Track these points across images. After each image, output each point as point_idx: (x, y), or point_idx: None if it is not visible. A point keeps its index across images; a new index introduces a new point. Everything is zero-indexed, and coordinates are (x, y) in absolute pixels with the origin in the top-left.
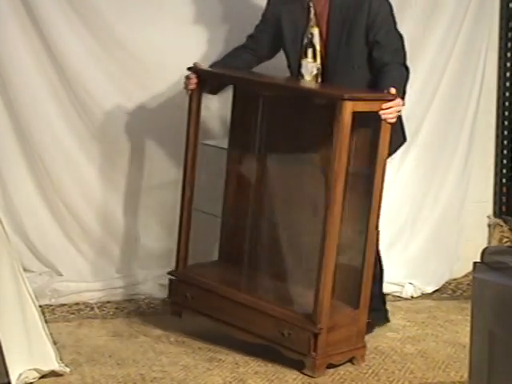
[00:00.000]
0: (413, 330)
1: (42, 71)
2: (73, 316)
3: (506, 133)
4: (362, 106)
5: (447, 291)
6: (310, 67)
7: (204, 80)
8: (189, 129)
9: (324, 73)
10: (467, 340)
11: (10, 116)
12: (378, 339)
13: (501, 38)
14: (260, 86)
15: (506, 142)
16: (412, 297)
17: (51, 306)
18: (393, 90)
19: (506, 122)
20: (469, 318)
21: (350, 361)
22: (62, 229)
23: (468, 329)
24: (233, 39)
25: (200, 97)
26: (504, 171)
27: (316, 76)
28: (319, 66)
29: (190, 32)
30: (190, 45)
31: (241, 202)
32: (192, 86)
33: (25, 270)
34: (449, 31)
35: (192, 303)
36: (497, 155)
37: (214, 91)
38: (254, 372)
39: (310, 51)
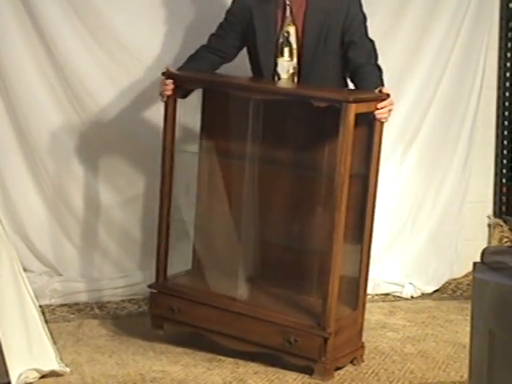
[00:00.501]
0: (413, 330)
1: (41, 71)
2: (73, 316)
3: (505, 133)
4: (363, 108)
5: (447, 291)
6: (287, 66)
7: (179, 85)
8: (165, 136)
9: (300, 72)
10: (467, 340)
11: (9, 116)
12: (378, 339)
13: (501, 38)
14: (251, 90)
15: (505, 142)
16: (412, 297)
17: (51, 305)
18: (386, 90)
19: (505, 122)
20: (469, 317)
21: (351, 361)
22: (61, 229)
23: (468, 329)
24: None
25: (175, 102)
26: (504, 171)
27: (293, 75)
28: (296, 64)
29: (191, 31)
30: (189, 43)
31: (214, 207)
32: (169, 92)
33: (25, 270)
34: (449, 31)
35: (179, 316)
36: (497, 155)
37: (184, 95)
38: (253, 372)
39: (286, 50)
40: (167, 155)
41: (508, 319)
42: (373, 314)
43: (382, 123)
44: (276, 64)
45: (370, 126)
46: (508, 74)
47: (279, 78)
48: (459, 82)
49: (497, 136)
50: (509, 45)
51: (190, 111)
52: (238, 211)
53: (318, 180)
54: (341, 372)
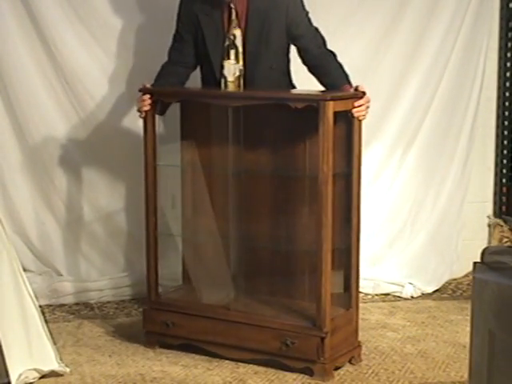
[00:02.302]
0: (413, 330)
1: (41, 72)
2: (73, 316)
3: (506, 133)
4: (340, 106)
5: (447, 291)
6: (233, 69)
7: (157, 100)
8: (146, 151)
9: (245, 74)
10: (467, 340)
11: (9, 116)
12: (378, 339)
13: (501, 38)
14: (230, 98)
15: (506, 142)
16: (412, 297)
17: (51, 305)
18: (361, 88)
19: (506, 122)
20: (469, 317)
21: (350, 361)
22: (61, 229)
23: (468, 329)
24: None
25: (154, 118)
26: (504, 171)
27: (239, 77)
28: (241, 67)
29: None
30: None
31: (200, 219)
32: (147, 108)
33: (25, 270)
34: (449, 31)
35: (174, 330)
36: (497, 155)
37: (162, 112)
38: (253, 372)
39: (232, 53)
40: (150, 170)
41: (508, 319)
42: (373, 314)
43: (360, 121)
44: (223, 67)
45: (348, 125)
46: (508, 74)
47: (226, 81)
48: (459, 82)
49: (497, 136)
50: (509, 45)
51: (169, 125)
52: (225, 220)
53: (302, 182)
54: (341, 372)
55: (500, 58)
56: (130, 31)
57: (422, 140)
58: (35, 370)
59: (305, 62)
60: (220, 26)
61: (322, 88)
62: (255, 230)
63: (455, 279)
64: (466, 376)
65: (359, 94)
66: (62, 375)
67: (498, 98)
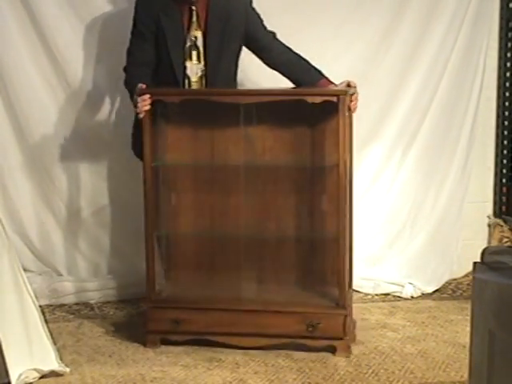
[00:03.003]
0: (413, 330)
1: (41, 72)
2: (73, 316)
3: (505, 133)
4: (348, 100)
5: (447, 291)
6: (196, 69)
7: (156, 100)
8: (145, 151)
9: (207, 74)
10: (467, 340)
11: (9, 116)
12: (378, 339)
13: (501, 38)
14: (243, 96)
15: (505, 142)
16: (412, 297)
17: (51, 305)
18: (353, 83)
19: (506, 122)
20: (469, 317)
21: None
22: (61, 229)
23: (468, 329)
24: None
25: (151, 118)
26: (504, 171)
27: (201, 77)
28: (203, 67)
29: None
30: None
31: (200, 214)
32: (147, 108)
33: (25, 270)
34: (449, 31)
35: (183, 326)
36: (497, 155)
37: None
38: (253, 372)
39: (194, 53)
40: (147, 170)
41: (508, 319)
42: (373, 314)
43: (352, 114)
44: (185, 67)
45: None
46: (508, 74)
47: (189, 81)
48: (459, 82)
49: (497, 136)
50: (509, 45)
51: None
52: (230, 214)
53: (314, 172)
54: (341, 372)
55: (500, 58)
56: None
57: (421, 140)
58: (35, 369)
59: (270, 61)
60: (180, 27)
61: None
62: (266, 219)
63: (455, 279)
64: (465, 376)
65: (353, 89)
66: (62, 375)
67: (498, 97)
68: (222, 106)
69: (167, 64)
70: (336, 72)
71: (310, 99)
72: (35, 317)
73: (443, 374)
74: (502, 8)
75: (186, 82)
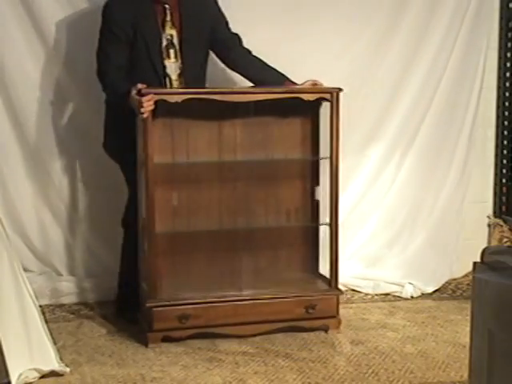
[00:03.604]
0: (413, 330)
1: (41, 71)
2: (73, 316)
3: (505, 133)
4: None
5: (447, 291)
6: (175, 67)
7: (159, 100)
8: (146, 151)
9: (184, 71)
10: (467, 340)
11: (9, 116)
12: (378, 339)
13: (501, 38)
14: (244, 94)
15: (505, 142)
16: (412, 297)
17: (51, 305)
18: (319, 82)
19: (505, 122)
20: (469, 317)
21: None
22: (61, 229)
23: (468, 329)
24: None
25: (151, 117)
26: (504, 171)
27: (180, 75)
28: (181, 65)
29: None
30: None
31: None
32: (151, 108)
33: (25, 270)
34: (448, 31)
35: (191, 322)
36: (497, 155)
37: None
38: (253, 372)
39: (172, 52)
40: (149, 169)
41: (508, 319)
42: (373, 314)
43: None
44: (165, 66)
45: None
46: (508, 74)
47: (170, 80)
48: (459, 81)
49: (497, 136)
50: (509, 45)
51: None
52: (218, 210)
53: (297, 164)
54: (341, 372)
55: (500, 58)
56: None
57: (421, 140)
58: (35, 369)
59: (234, 62)
60: (156, 27)
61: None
62: (255, 212)
63: (455, 279)
64: (465, 376)
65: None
66: (62, 375)
67: (498, 98)
68: (195, 105)
69: (147, 64)
70: (336, 72)
71: (305, 97)
72: (35, 317)
73: (443, 374)
74: (501, 8)
75: (167, 80)
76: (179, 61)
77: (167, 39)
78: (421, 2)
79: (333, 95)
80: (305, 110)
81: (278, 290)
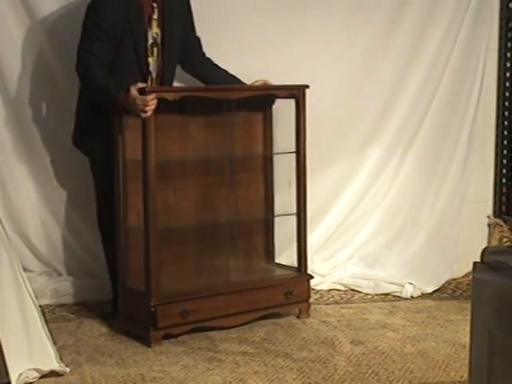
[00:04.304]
0: (413, 330)
1: (41, 71)
2: (73, 316)
3: (505, 133)
4: None
5: (447, 291)
6: (156, 66)
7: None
8: (148, 150)
9: (163, 71)
10: (467, 340)
11: (9, 115)
12: (378, 339)
13: (501, 38)
14: (231, 91)
15: (505, 142)
16: (412, 297)
17: (51, 305)
18: (268, 82)
19: (505, 122)
20: (469, 317)
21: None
22: (62, 229)
23: (468, 329)
24: None
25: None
26: (504, 171)
27: (158, 74)
28: (160, 64)
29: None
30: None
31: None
32: (154, 107)
33: (25, 269)
34: (448, 31)
35: (192, 317)
36: (497, 155)
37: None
38: (253, 372)
39: (155, 50)
40: (150, 167)
41: (508, 319)
42: (373, 314)
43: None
44: (148, 64)
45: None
46: (508, 74)
47: (151, 78)
48: (459, 81)
49: (497, 136)
50: (509, 45)
51: None
52: (192, 209)
53: (261, 159)
54: (341, 372)
55: (500, 58)
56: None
57: (421, 140)
58: (35, 369)
59: (193, 64)
60: (143, 25)
61: None
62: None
63: (455, 279)
64: (465, 376)
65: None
66: (62, 375)
67: (498, 97)
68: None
69: (133, 62)
70: (336, 72)
71: (278, 93)
72: (35, 317)
73: (443, 373)
74: (501, 8)
75: (149, 78)
76: (159, 60)
77: (153, 37)
78: (420, 2)
79: (300, 92)
80: (256, 108)
81: (260, 278)
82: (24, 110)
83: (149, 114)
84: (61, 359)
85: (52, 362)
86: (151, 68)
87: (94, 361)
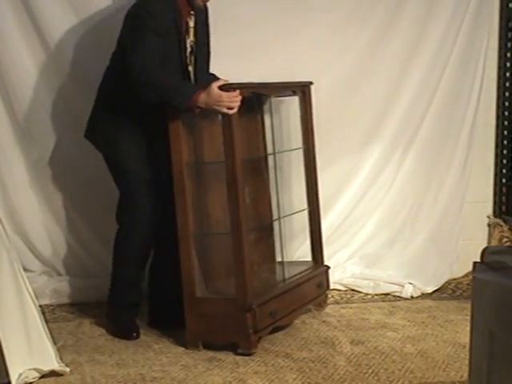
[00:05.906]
0: (413, 330)
1: (41, 71)
2: (73, 316)
3: (505, 133)
4: None
5: (447, 291)
6: (192, 75)
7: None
8: (230, 149)
9: (195, 80)
10: (467, 340)
11: (9, 115)
12: (378, 339)
13: (501, 38)
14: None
15: (505, 142)
16: (412, 297)
17: (51, 305)
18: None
19: (505, 122)
20: (469, 317)
21: None
22: (61, 229)
23: (468, 329)
24: None
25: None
26: (504, 171)
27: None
28: (193, 72)
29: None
30: None
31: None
32: (239, 103)
33: (25, 269)
34: (448, 31)
35: (276, 317)
36: (497, 155)
37: None
38: (253, 372)
39: (192, 59)
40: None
41: (508, 319)
42: (373, 314)
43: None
44: (189, 72)
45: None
46: (508, 74)
47: None
48: (459, 81)
49: (497, 136)
50: (509, 45)
51: None
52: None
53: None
54: (341, 372)
55: (500, 58)
56: None
57: (421, 140)
58: (35, 369)
59: (198, 80)
60: (184, 31)
61: None
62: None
63: (455, 279)
64: (465, 376)
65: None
66: (62, 375)
67: (498, 97)
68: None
69: (177, 69)
70: (336, 72)
71: (283, 91)
72: (35, 317)
73: (443, 373)
74: (501, 8)
75: None
76: (193, 68)
77: (190, 46)
78: (420, 1)
79: (303, 90)
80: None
81: (304, 274)
82: (24, 110)
83: (235, 110)
84: (61, 359)
85: (52, 362)
86: (192, 77)
87: (94, 361)
